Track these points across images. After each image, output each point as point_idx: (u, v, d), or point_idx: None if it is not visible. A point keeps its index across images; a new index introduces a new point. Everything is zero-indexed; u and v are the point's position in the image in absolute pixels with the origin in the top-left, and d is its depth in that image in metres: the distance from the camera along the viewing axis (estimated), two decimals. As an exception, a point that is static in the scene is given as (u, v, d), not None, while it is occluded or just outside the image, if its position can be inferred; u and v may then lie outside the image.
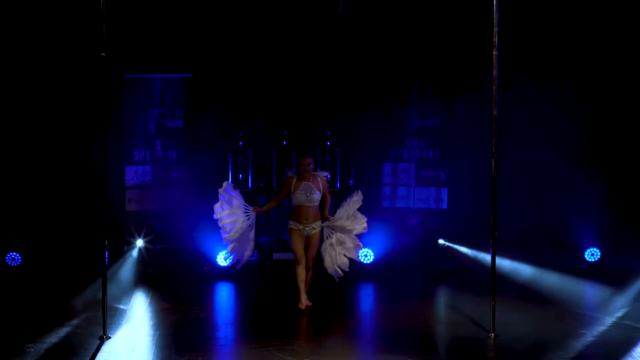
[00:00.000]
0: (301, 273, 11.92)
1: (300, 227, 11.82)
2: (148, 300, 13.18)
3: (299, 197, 11.71)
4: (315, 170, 12.06)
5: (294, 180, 11.77)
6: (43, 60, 14.78)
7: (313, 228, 11.86)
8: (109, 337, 10.67)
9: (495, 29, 10.72)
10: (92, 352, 10.20)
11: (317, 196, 11.75)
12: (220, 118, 15.47)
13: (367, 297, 13.94)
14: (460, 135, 15.42)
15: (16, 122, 14.87)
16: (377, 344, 10.85)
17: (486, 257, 13.65)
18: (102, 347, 10.41)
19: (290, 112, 15.82)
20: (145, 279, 14.38)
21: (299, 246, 11.87)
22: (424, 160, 15.76)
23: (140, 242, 14.93)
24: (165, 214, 15.34)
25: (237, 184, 15.22)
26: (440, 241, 15.52)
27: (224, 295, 13.95)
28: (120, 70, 14.78)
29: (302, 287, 11.98)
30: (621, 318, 11.78)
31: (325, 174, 12.13)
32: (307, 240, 11.88)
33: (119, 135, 14.92)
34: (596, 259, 15.37)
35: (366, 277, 14.54)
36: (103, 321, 10.71)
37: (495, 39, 10.75)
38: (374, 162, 15.87)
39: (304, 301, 11.98)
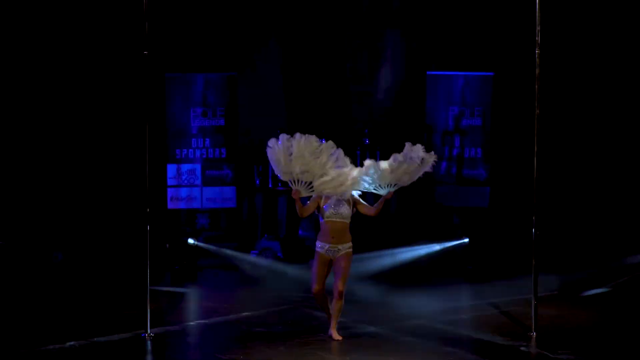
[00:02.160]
0: (318, 299, 10.71)
1: (326, 247, 10.56)
2: (191, 298, 13.24)
3: (326, 210, 10.57)
4: None
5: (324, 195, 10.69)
6: (87, 59, 14.88)
7: (339, 250, 10.54)
8: (152, 336, 10.72)
9: (538, 28, 10.69)
10: (136, 350, 10.27)
11: (346, 211, 10.55)
12: (260, 117, 15.49)
13: (400, 295, 13.86)
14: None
15: (60, 120, 14.99)
16: (413, 341, 10.81)
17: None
18: (146, 346, 10.46)
19: (330, 112, 15.84)
20: (188, 275, 14.50)
21: (319, 271, 10.56)
22: (466, 159, 15.74)
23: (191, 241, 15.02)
24: (208, 213, 15.40)
25: (277, 183, 15.30)
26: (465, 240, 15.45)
27: (264, 293, 13.94)
28: (163, 69, 14.84)
29: (327, 313, 10.80)
30: None
31: (356, 192, 10.73)
32: (333, 263, 10.58)
33: (161, 133, 14.99)
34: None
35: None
36: (146, 320, 10.74)
37: (538, 38, 10.71)
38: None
39: (334, 334, 10.61)
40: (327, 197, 10.58)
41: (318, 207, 10.65)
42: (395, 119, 15.78)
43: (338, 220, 10.53)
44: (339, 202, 10.55)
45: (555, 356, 9.93)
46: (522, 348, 10.36)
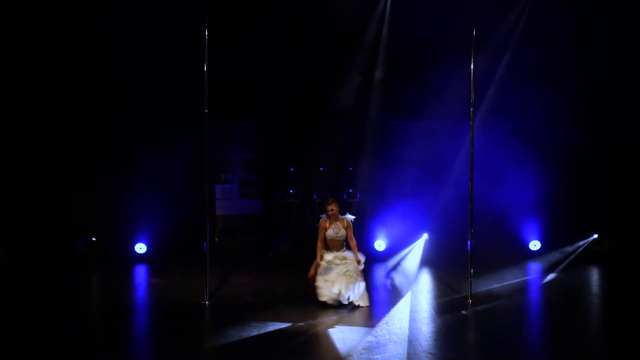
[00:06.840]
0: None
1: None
2: (232, 276, 13.17)
3: (329, 232, 10.61)
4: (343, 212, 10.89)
5: (327, 222, 10.66)
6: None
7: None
8: (207, 302, 10.65)
9: (472, 90, 10.64)
10: (197, 313, 10.26)
11: (342, 233, 10.61)
12: (279, 153, 15.48)
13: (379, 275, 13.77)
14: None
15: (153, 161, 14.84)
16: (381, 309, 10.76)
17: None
18: (204, 309, 10.46)
19: (325, 152, 15.80)
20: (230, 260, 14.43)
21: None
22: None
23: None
24: (243, 217, 15.41)
25: (290, 197, 15.32)
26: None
27: (284, 272, 13.78)
28: (214, 120, 14.74)
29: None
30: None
31: (351, 217, 10.80)
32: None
33: (213, 163, 14.92)
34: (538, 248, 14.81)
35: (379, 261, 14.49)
36: (205, 291, 10.70)
37: (472, 98, 10.67)
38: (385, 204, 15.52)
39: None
40: (330, 224, 10.62)
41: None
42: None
43: (337, 239, 10.64)
44: (337, 227, 10.60)
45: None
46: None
